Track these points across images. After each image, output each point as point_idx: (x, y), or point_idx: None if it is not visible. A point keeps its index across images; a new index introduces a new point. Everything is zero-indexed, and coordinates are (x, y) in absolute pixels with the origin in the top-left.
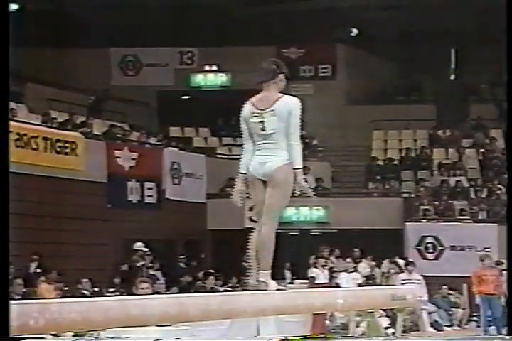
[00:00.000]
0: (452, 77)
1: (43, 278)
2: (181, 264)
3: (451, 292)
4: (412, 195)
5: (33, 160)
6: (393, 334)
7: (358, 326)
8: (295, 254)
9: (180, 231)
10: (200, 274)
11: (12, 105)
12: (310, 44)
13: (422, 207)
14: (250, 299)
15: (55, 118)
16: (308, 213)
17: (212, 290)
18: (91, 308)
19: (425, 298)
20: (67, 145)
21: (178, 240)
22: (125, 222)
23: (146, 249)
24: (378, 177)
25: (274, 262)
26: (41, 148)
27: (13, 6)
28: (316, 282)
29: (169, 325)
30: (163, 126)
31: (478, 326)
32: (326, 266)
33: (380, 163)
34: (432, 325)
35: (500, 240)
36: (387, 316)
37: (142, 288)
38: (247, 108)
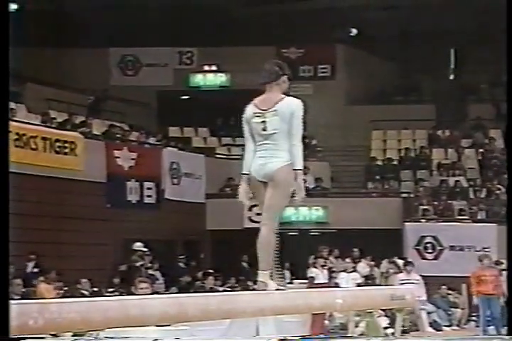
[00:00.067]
0: (451, 77)
1: (42, 278)
2: (180, 264)
3: (450, 292)
4: (411, 195)
5: (33, 160)
6: (392, 334)
7: (357, 326)
8: (294, 254)
9: (180, 231)
10: (200, 274)
11: (11, 105)
12: (309, 44)
13: (421, 207)
14: (249, 299)
15: (54, 118)
16: (308, 213)
17: (212, 290)
18: (90, 308)
19: (424, 298)
20: (66, 145)
21: (177, 240)
22: (124, 222)
23: (145, 249)
24: (377, 177)
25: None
26: (40, 148)
27: (13, 6)
28: (316, 282)
29: (168, 325)
30: (162, 126)
31: (478, 326)
32: (325, 266)
33: (380, 163)
34: (431, 324)
35: (499, 240)
36: (386, 316)
37: (141, 288)
38: (250, 108)
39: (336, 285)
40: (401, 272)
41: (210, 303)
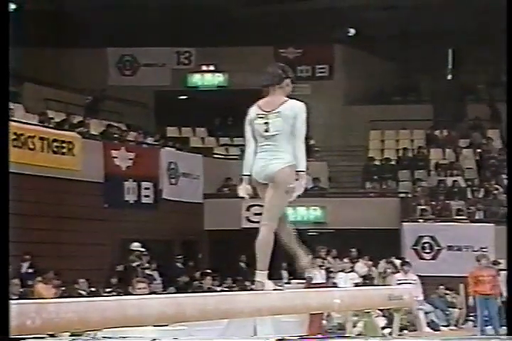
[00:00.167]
0: (449, 77)
1: (39, 278)
2: (178, 264)
3: (448, 292)
4: (409, 195)
5: (30, 160)
6: (390, 334)
7: (354, 326)
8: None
9: (178, 232)
10: (197, 274)
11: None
12: (307, 44)
13: (419, 207)
14: (247, 299)
15: (52, 118)
16: (306, 213)
17: (210, 290)
18: (88, 308)
19: (421, 298)
20: (64, 145)
21: (175, 240)
22: (122, 222)
23: (143, 249)
24: (375, 177)
25: (271, 262)
26: (38, 148)
27: (11, 6)
28: (313, 282)
29: (166, 325)
30: (160, 126)
31: (475, 326)
32: (323, 266)
33: (377, 163)
34: (428, 324)
35: (497, 240)
36: (383, 316)
37: (139, 288)
38: (253, 110)
39: (335, 286)
40: (398, 272)
41: (208, 303)
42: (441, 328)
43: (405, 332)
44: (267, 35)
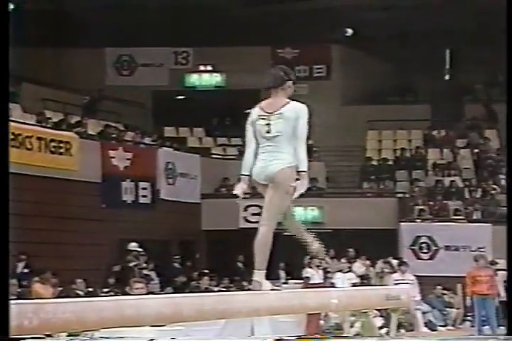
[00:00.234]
0: (447, 77)
1: (37, 278)
2: (176, 264)
3: (445, 292)
4: (407, 195)
5: (28, 160)
6: (387, 334)
7: (352, 326)
8: (289, 254)
9: (175, 232)
10: (195, 274)
11: None
12: (305, 44)
13: (417, 207)
14: (245, 299)
15: (49, 118)
16: (303, 213)
17: (207, 290)
18: (85, 308)
19: (418, 298)
20: (61, 145)
21: (172, 240)
22: (120, 222)
23: (140, 249)
24: (373, 178)
25: (268, 262)
26: (35, 148)
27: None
28: (311, 282)
29: (164, 325)
30: (157, 126)
31: (473, 326)
32: (320, 266)
33: (375, 163)
34: (426, 324)
35: (494, 240)
36: (381, 316)
37: (136, 288)
38: (255, 111)
39: (332, 286)
40: (395, 272)
41: (205, 303)
42: (439, 328)
43: (403, 331)
44: (264, 35)
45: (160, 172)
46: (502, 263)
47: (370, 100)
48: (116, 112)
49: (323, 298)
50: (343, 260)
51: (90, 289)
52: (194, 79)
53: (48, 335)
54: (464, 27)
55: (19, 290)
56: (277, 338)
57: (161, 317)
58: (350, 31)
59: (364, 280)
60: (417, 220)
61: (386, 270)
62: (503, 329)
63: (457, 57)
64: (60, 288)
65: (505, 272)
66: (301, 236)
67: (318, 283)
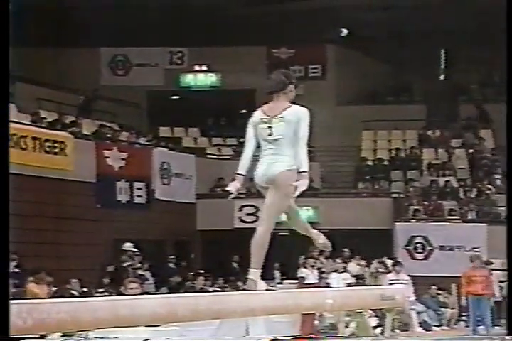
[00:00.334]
0: (442, 77)
1: (31, 278)
2: (171, 264)
3: (440, 292)
4: (402, 195)
5: (22, 159)
6: (382, 334)
7: (347, 326)
8: (284, 254)
9: (170, 232)
10: (190, 274)
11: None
12: (300, 44)
13: (412, 207)
14: (239, 299)
15: (44, 118)
16: None
17: (202, 290)
18: (80, 308)
19: (412, 298)
20: (56, 145)
21: (167, 240)
22: (114, 222)
23: (135, 249)
24: (368, 178)
25: (264, 262)
26: (30, 147)
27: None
28: (306, 282)
29: (158, 326)
30: (152, 126)
31: (467, 326)
32: (315, 266)
33: (370, 163)
34: (420, 324)
35: (489, 240)
36: (376, 316)
37: (131, 288)
38: (257, 114)
39: (328, 286)
40: (390, 272)
41: (200, 303)
42: (434, 328)
43: (397, 331)
44: (259, 36)
45: (155, 173)
46: (497, 263)
47: (365, 100)
48: (111, 112)
49: (318, 298)
50: (338, 260)
51: (85, 289)
52: (189, 79)
53: (43, 335)
54: (459, 27)
55: (14, 290)
56: (272, 338)
57: (155, 318)
58: (345, 31)
59: (359, 280)
60: (412, 220)
61: (381, 270)
62: (497, 329)
63: (452, 57)
64: (55, 288)
65: (500, 272)
66: (306, 232)
67: (313, 283)
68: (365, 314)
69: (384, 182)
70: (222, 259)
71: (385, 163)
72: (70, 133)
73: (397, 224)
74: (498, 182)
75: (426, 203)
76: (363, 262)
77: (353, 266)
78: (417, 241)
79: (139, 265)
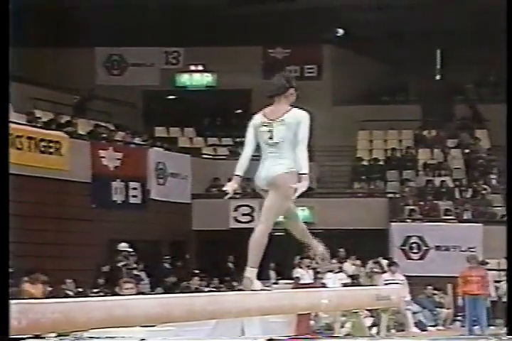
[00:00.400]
0: (438, 77)
1: (26, 278)
2: (166, 265)
3: (435, 292)
4: (397, 195)
5: (18, 159)
6: (377, 334)
7: (342, 326)
8: (280, 254)
9: (165, 232)
10: (185, 274)
11: None
12: (296, 44)
13: (407, 207)
14: (235, 299)
15: (39, 118)
16: None
17: (197, 290)
18: (75, 309)
19: (407, 298)
20: (51, 144)
21: (163, 240)
22: (110, 222)
23: (130, 250)
24: (363, 178)
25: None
26: (25, 147)
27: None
28: (301, 282)
29: (154, 326)
30: (148, 126)
31: (463, 326)
32: (310, 266)
33: (366, 163)
34: (416, 325)
35: (484, 240)
36: (371, 316)
37: (126, 289)
38: (258, 117)
39: (323, 286)
40: (385, 272)
41: (196, 304)
42: (429, 328)
43: (393, 331)
44: (255, 35)
45: (150, 172)
46: (493, 263)
47: (361, 100)
48: (106, 112)
49: (314, 298)
50: (333, 260)
51: (80, 289)
52: (185, 79)
53: (37, 336)
54: (455, 27)
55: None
56: (268, 338)
57: (151, 318)
58: (341, 31)
59: (354, 280)
60: (408, 220)
61: (376, 270)
62: (493, 329)
63: (448, 58)
64: (50, 288)
65: (495, 272)
66: (304, 240)
67: (309, 283)
68: (360, 314)
69: (380, 182)
70: (218, 259)
71: (381, 163)
72: (65, 133)
73: (392, 224)
74: (494, 182)
75: (421, 203)
76: (358, 262)
77: (349, 266)
78: (412, 241)
79: (135, 265)
